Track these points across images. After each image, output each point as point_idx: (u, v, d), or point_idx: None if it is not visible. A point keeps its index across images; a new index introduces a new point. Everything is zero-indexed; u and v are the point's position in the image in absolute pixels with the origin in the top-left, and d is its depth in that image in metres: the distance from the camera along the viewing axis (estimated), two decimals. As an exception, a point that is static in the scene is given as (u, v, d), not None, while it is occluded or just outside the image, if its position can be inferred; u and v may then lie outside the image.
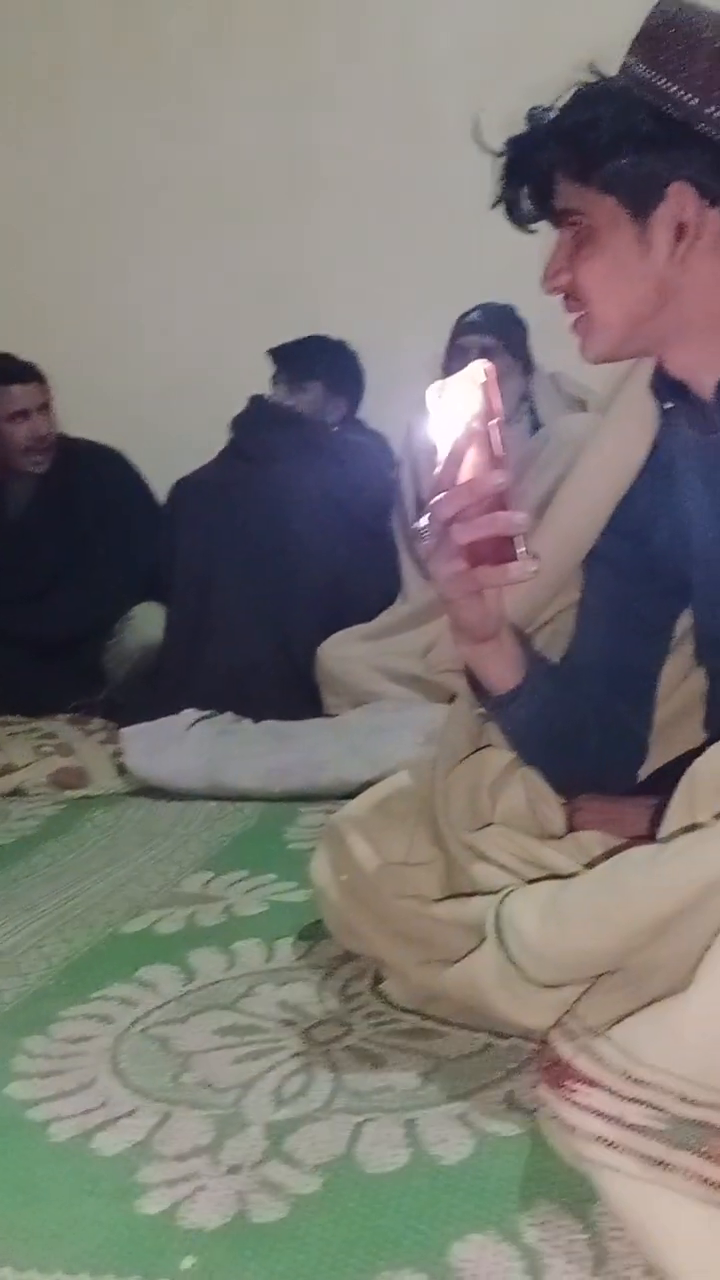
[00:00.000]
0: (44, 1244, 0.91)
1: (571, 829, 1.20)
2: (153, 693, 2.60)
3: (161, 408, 3.25)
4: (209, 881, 1.71)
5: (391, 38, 3.22)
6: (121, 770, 2.31)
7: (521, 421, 2.69)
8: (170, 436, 3.03)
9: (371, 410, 2.98)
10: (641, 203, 1.05)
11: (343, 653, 2.53)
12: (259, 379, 2.92)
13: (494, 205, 1.13)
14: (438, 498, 1.00)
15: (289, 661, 2.59)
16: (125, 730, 2.38)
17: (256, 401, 2.88)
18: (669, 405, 1.17)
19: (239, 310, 3.27)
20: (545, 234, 1.15)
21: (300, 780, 2.13)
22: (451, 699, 1.38)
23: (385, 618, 2.62)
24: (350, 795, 1.44)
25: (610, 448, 1.24)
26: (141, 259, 3.42)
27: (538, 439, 2.54)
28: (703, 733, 1.22)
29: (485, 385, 0.98)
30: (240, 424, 2.86)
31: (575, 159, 1.07)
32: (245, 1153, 1.00)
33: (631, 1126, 0.79)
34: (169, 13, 3.37)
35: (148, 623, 2.81)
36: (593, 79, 1.08)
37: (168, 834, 1.98)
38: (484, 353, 2.65)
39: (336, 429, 2.89)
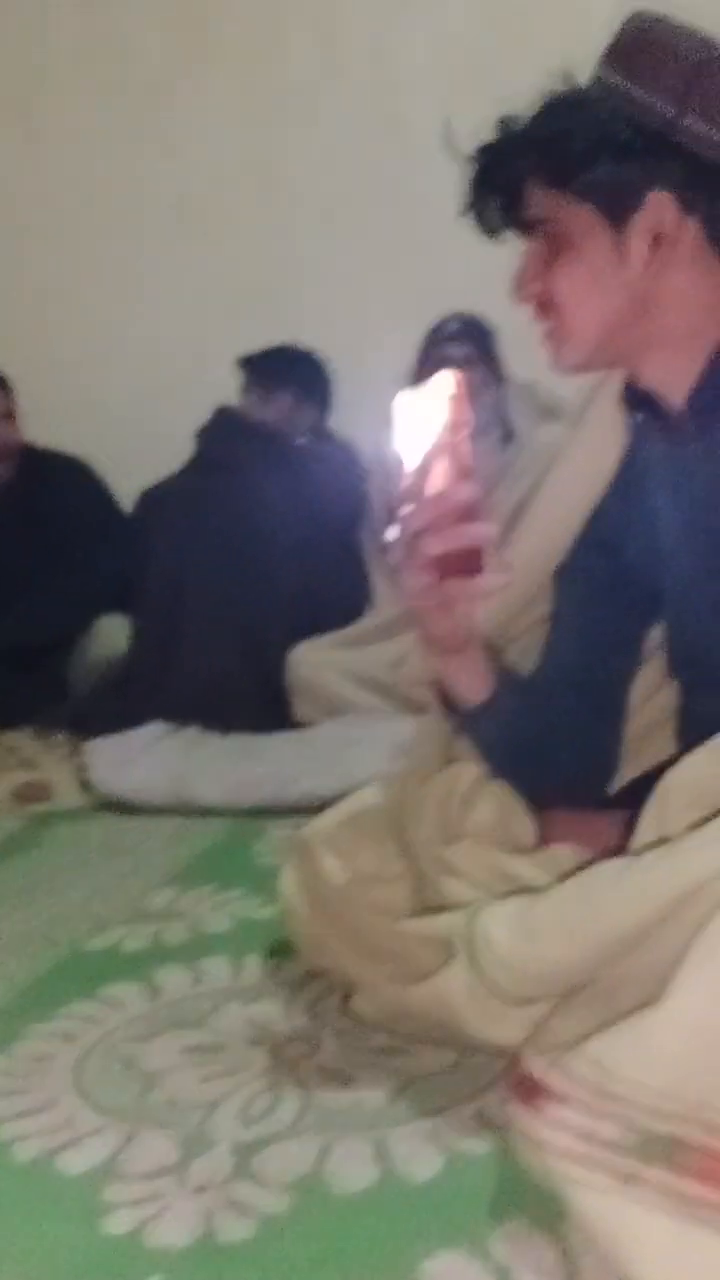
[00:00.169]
0: (8, 1265, 0.89)
1: (542, 842, 1.20)
2: (119, 705, 2.58)
3: (130, 417, 3.25)
4: (175, 898, 1.69)
5: (365, 50, 3.24)
6: (86, 785, 2.28)
7: (493, 432, 2.70)
8: (139, 447, 3.02)
9: (342, 420, 2.98)
10: (619, 211, 1.05)
11: (315, 660, 2.52)
12: (229, 389, 2.92)
13: (464, 212, 1.12)
14: (407, 509, 1.00)
15: (258, 673, 2.57)
16: (90, 744, 2.35)
17: (222, 413, 2.87)
18: (639, 418, 1.18)
19: (210, 320, 3.27)
20: (514, 244, 1.14)
21: (269, 794, 2.12)
22: (422, 713, 1.38)
23: (358, 626, 2.61)
24: (320, 809, 1.42)
25: (581, 460, 1.25)
26: (111, 269, 3.42)
27: (512, 450, 2.55)
28: (674, 746, 1.22)
29: (454, 397, 0.98)
30: (205, 436, 2.85)
31: (552, 166, 1.06)
32: (212, 1172, 0.99)
33: (602, 1141, 0.79)
34: (143, 23, 3.37)
35: (113, 634, 2.80)
36: (565, 89, 1.08)
37: (133, 849, 1.96)
38: (465, 363, 2.67)
39: (306, 439, 2.89)
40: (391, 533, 1.02)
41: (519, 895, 1.05)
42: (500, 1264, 0.84)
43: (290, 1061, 1.17)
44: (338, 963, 1.26)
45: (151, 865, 1.86)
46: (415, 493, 0.99)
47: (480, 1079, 1.09)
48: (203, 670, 2.55)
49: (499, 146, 1.09)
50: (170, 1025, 1.28)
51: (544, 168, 1.07)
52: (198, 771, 2.22)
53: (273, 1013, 1.28)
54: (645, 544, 1.19)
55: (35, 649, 2.83)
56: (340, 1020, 1.24)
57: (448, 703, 1.19)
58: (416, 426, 0.99)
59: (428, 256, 2.94)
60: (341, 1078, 1.13)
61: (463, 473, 0.98)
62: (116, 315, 3.41)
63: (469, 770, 1.24)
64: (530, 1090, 0.84)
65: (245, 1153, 1.01)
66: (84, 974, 1.44)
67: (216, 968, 1.42)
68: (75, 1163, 1.02)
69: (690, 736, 1.14)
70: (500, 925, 0.98)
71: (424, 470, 0.99)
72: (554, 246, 1.08)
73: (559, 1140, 0.80)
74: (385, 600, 2.63)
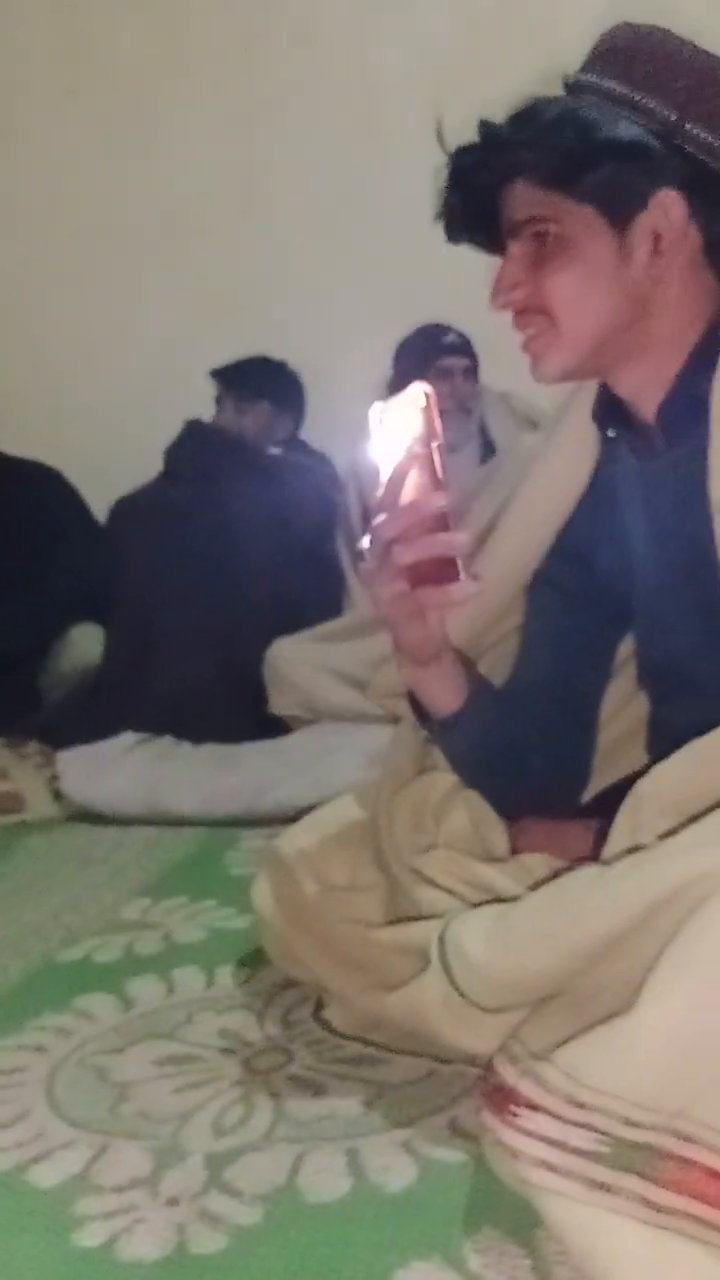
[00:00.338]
0: (-23, 1282, 0.89)
1: (515, 851, 1.20)
2: (91, 715, 2.57)
3: (104, 426, 3.24)
4: (148, 908, 1.69)
5: (344, 58, 3.25)
6: (58, 795, 2.28)
7: (472, 443, 2.71)
8: (113, 456, 3.02)
9: (315, 430, 2.99)
10: (622, 212, 1.04)
11: (292, 654, 2.52)
12: (204, 398, 2.91)
13: (439, 216, 1.11)
14: (379, 519, 1.00)
15: (231, 683, 2.57)
16: (62, 754, 2.34)
17: (191, 427, 2.87)
18: (611, 434, 1.18)
19: (185, 329, 3.27)
20: (482, 254, 1.14)
21: (242, 804, 2.12)
22: (396, 722, 1.38)
23: (337, 622, 2.60)
24: (294, 819, 1.43)
25: (551, 473, 1.25)
26: (85, 278, 3.41)
27: (494, 461, 2.56)
28: (645, 756, 1.23)
29: (426, 408, 0.98)
30: (174, 451, 2.84)
31: (553, 166, 1.04)
32: (185, 1184, 0.99)
33: (575, 1150, 0.79)
34: (122, 30, 3.37)
35: (85, 643, 2.78)
36: (553, 93, 1.07)
37: (105, 860, 1.95)
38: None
39: (279, 449, 2.89)
40: (364, 542, 1.03)
41: (492, 904, 1.05)
42: (474, 1274, 0.84)
43: (263, 1072, 1.17)
44: (311, 973, 1.26)
45: (124, 876, 1.86)
46: (388, 502, 1.00)
47: (453, 1088, 1.09)
48: (176, 680, 2.54)
49: (487, 147, 1.07)
50: (143, 1036, 1.27)
51: (544, 168, 1.04)
52: (171, 781, 2.21)
53: (246, 1023, 1.28)
54: (616, 556, 1.20)
55: (6, 658, 2.81)
56: (313, 1030, 1.24)
57: (421, 712, 1.19)
58: (390, 437, 1.00)
59: (402, 266, 2.95)
60: (314, 1088, 1.12)
61: (435, 483, 0.99)
62: (90, 324, 3.41)
63: (442, 779, 1.24)
64: (503, 1099, 0.84)
65: (218, 1164, 1.01)
66: (56, 985, 1.43)
67: (189, 978, 1.42)
68: (47, 1175, 1.02)
69: (661, 746, 1.14)
70: (473, 934, 0.98)
71: (396, 480, 0.99)
72: (545, 249, 1.06)
73: (532, 1149, 0.80)
74: (362, 607, 2.63)
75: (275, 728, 2.48)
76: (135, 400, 3.26)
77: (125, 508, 2.81)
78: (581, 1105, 0.79)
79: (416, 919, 1.11)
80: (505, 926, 0.96)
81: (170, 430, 2.84)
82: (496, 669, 1.28)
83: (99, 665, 2.72)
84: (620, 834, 0.99)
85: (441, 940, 1.01)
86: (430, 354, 2.68)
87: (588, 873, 0.94)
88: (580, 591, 1.23)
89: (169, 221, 3.35)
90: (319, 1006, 1.27)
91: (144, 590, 2.67)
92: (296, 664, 2.48)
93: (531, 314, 1.08)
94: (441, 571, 1.00)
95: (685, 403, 1.09)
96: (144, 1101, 1.13)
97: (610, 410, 1.17)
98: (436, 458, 0.98)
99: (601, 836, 1.02)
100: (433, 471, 0.99)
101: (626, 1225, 0.77)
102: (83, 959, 1.51)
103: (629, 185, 1.04)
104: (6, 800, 2.28)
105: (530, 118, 1.05)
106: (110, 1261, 0.90)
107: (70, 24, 3.40)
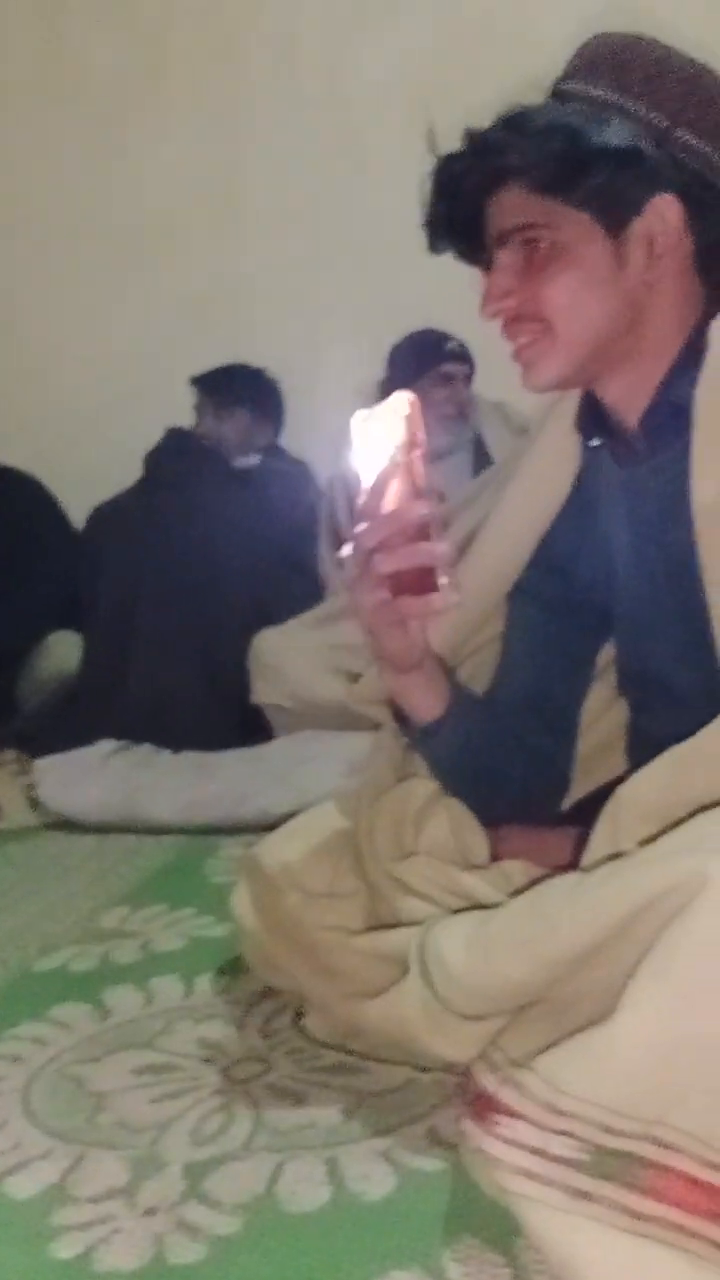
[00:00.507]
0: (-48, 1294, 0.88)
1: (495, 858, 1.20)
2: (68, 723, 2.56)
3: (82, 434, 3.23)
4: (126, 916, 1.68)
5: (320, 66, 3.25)
6: (35, 803, 2.26)
7: (465, 450, 2.73)
8: (90, 463, 3.01)
9: (294, 438, 2.99)
10: (618, 217, 1.04)
11: (280, 642, 2.51)
12: (182, 405, 2.91)
13: (426, 222, 1.10)
14: (361, 527, 1.00)
15: (210, 691, 2.56)
16: (39, 762, 2.33)
17: (172, 434, 2.87)
18: (595, 443, 1.18)
19: (163, 336, 3.26)
20: (463, 263, 1.14)
21: (221, 812, 2.11)
22: (376, 729, 1.38)
23: (325, 606, 2.59)
24: (273, 827, 1.42)
25: (533, 483, 1.25)
26: (63, 285, 3.41)
27: (489, 472, 2.57)
28: (625, 763, 1.23)
29: (408, 417, 0.98)
30: (154, 458, 2.84)
31: (547, 171, 1.03)
32: (163, 1194, 0.98)
33: (555, 1158, 0.79)
34: (97, 38, 3.37)
35: (63, 651, 2.77)
36: (537, 102, 1.07)
37: (83, 868, 1.94)
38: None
39: (258, 457, 2.89)
40: (345, 550, 1.02)
41: (471, 911, 1.05)
42: (453, 1283, 0.84)
43: (242, 1081, 1.16)
44: (291, 980, 1.25)
45: (102, 884, 1.85)
46: (369, 511, 1.00)
47: (433, 1096, 1.09)
48: (154, 687, 2.54)
49: (477, 152, 1.06)
50: (121, 1046, 1.26)
51: (538, 173, 1.03)
52: (149, 789, 2.20)
53: (224, 1032, 1.27)
54: (597, 564, 1.20)
55: (-17, 665, 2.81)
56: (293, 1039, 1.23)
57: (401, 719, 1.19)
58: (372, 445, 1.00)
59: (381, 275, 2.96)
60: (294, 1097, 1.12)
61: (416, 492, 0.99)
62: (68, 331, 3.40)
63: (422, 787, 1.24)
64: (483, 1107, 0.84)
65: (196, 1174, 1.01)
66: (32, 995, 1.42)
67: (168, 987, 1.41)
68: (23, 1186, 1.01)
69: (640, 753, 1.14)
70: (452, 942, 0.98)
71: (378, 488, 0.99)
72: (536, 256, 1.06)
73: (512, 1157, 0.80)
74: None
75: (255, 735, 2.48)
76: (113, 408, 3.25)
77: (103, 515, 2.81)
78: (561, 1113, 0.79)
79: (396, 926, 1.11)
80: (485, 934, 0.96)
81: (148, 437, 2.84)
82: (477, 677, 1.28)
83: (77, 673, 2.72)
84: (600, 841, 0.99)
85: (421, 948, 1.00)
86: (432, 359, 2.69)
87: (567, 880, 0.94)
88: (560, 600, 1.24)
89: (148, 228, 3.35)
90: (298, 1015, 1.27)
91: (122, 597, 2.66)
92: (284, 651, 2.47)
93: (524, 322, 1.07)
94: (422, 581, 1.00)
95: (668, 409, 1.09)
96: (122, 1111, 1.12)
97: (593, 418, 1.17)
98: (418, 466, 0.99)
99: (581, 843, 1.02)
100: (414, 480, 0.99)
101: (606, 1233, 0.77)
102: (60, 968, 1.51)
103: (625, 191, 1.04)
104: (-17, 808, 2.27)
105: (520, 124, 1.04)
106: (87, 1273, 0.89)
107: (50, 30, 3.40)
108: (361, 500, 1.00)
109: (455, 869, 1.17)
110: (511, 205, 1.06)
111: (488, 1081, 0.85)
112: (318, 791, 1.71)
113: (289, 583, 2.71)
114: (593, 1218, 0.77)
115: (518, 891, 1.06)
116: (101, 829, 2.14)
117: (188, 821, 2.11)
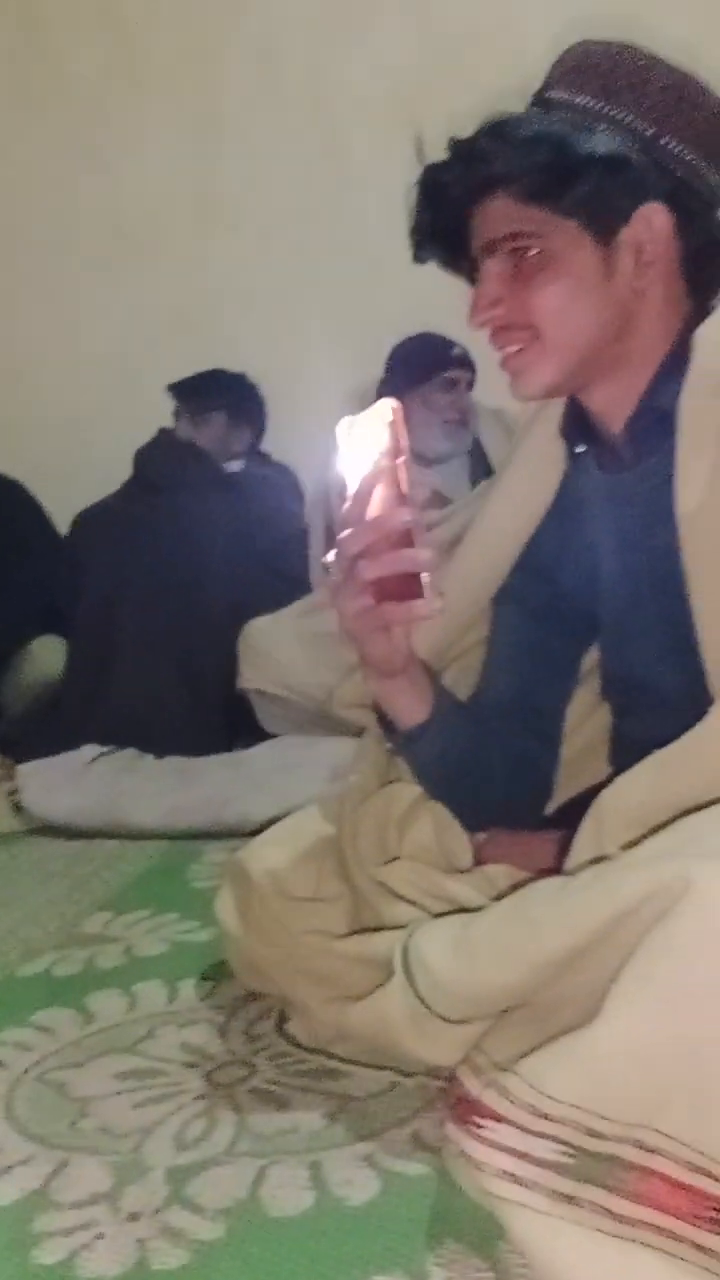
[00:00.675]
0: (-67, 1301, 0.87)
1: (479, 862, 1.20)
2: (51, 728, 2.55)
3: (64, 439, 3.23)
4: (109, 922, 1.68)
5: (302, 72, 3.26)
6: (18, 809, 2.26)
7: (462, 456, 2.73)
8: (73, 469, 3.01)
9: (278, 443, 2.99)
10: (607, 225, 1.04)
11: (270, 628, 2.50)
12: (164, 411, 2.91)
13: (411, 232, 1.10)
14: (345, 533, 1.00)
15: (193, 696, 2.56)
16: (22, 767, 2.32)
17: (163, 435, 2.88)
18: (580, 449, 1.18)
19: (144, 342, 3.26)
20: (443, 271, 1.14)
21: (204, 818, 2.11)
22: (360, 733, 1.38)
23: (311, 597, 2.58)
24: (256, 832, 1.43)
25: (516, 488, 1.25)
26: (45, 290, 3.40)
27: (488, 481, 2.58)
28: (608, 767, 1.24)
29: (392, 423, 0.99)
30: (145, 456, 2.85)
31: (535, 180, 1.03)
32: (146, 1199, 0.98)
33: (539, 1161, 0.79)
34: (77, 43, 3.37)
35: (46, 656, 2.77)
36: (520, 109, 1.07)
37: (66, 874, 1.94)
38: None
39: (240, 461, 2.90)
40: (329, 556, 1.03)
41: (455, 915, 1.05)
42: (437, 1287, 0.84)
43: (225, 1086, 1.16)
44: (274, 985, 1.25)
45: (85, 889, 1.84)
46: (353, 517, 1.00)
47: (417, 1100, 1.09)
48: (138, 693, 2.53)
49: (464, 161, 1.06)
50: (104, 1051, 1.26)
51: (526, 182, 1.04)
52: (133, 795, 2.20)
53: (207, 1037, 1.27)
54: (581, 570, 1.21)
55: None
56: (276, 1043, 1.23)
57: (386, 724, 1.20)
58: (357, 451, 1.00)
59: (363, 281, 2.97)
60: (277, 1101, 1.12)
61: (400, 498, 0.99)
62: (50, 336, 3.40)
63: (406, 791, 1.24)
64: (467, 1110, 0.84)
65: (179, 1179, 1.00)
66: (15, 1000, 1.41)
67: (151, 992, 1.41)
68: (5, 1192, 1.00)
69: (624, 757, 1.15)
70: (436, 946, 0.98)
71: (362, 495, 1.00)
72: (523, 264, 1.06)
73: (496, 1161, 0.80)
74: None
75: (238, 740, 2.47)
76: (95, 413, 3.25)
77: (87, 520, 2.81)
78: (545, 1116, 0.79)
79: (380, 930, 1.11)
80: (468, 938, 0.96)
81: (131, 443, 2.85)
82: (461, 682, 1.29)
83: (60, 678, 2.71)
84: (584, 845, 0.99)
85: (405, 951, 1.01)
86: (436, 364, 2.69)
87: (551, 884, 0.94)
88: (545, 606, 1.24)
89: (126, 234, 3.35)
90: (282, 1020, 1.27)
91: (105, 603, 2.66)
92: (274, 637, 2.46)
93: (513, 330, 1.08)
94: (406, 587, 1.00)
95: (653, 416, 1.10)
96: (104, 1116, 1.12)
97: (578, 424, 1.17)
98: (402, 473, 0.99)
99: (565, 847, 1.03)
100: (398, 486, 0.99)
101: (589, 1237, 0.77)
102: (43, 973, 1.50)
103: (613, 199, 1.04)
104: (-34, 814, 2.26)
105: (506, 132, 1.05)
106: (70, 1278, 0.89)
107: (29, 36, 3.39)
108: (346, 506, 1.01)
109: (439, 873, 1.17)
110: (498, 214, 1.07)
111: (471, 1085, 0.86)
112: (300, 797, 1.71)
113: (273, 588, 2.71)
114: (576, 1221, 0.77)
115: (501, 895, 1.06)
116: (85, 834, 2.13)
117: (170, 827, 2.11)
